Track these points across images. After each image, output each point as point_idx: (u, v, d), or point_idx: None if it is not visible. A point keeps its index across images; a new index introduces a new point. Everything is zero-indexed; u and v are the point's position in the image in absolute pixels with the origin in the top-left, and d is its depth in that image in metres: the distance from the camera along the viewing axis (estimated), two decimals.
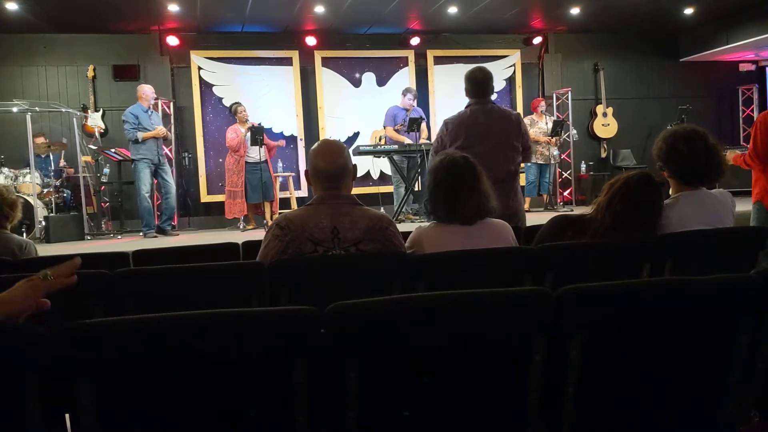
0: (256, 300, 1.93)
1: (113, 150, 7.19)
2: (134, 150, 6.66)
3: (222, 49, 8.30)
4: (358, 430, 1.26)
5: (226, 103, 8.18)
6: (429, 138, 7.83)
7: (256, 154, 7.14)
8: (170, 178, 7.01)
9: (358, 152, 6.80)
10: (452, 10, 7.77)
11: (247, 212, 7.35)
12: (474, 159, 2.30)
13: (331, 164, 2.11)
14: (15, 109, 6.89)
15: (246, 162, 7.21)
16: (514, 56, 9.10)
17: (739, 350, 1.35)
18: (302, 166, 8.46)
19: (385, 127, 7.50)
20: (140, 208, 6.75)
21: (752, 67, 10.08)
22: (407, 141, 7.15)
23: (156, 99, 7.12)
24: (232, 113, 7.40)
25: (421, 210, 6.37)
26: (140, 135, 6.58)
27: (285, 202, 7.80)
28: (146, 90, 6.82)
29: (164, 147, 7.24)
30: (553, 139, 8.04)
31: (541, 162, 8.08)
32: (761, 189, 3.46)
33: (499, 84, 9.04)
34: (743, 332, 1.34)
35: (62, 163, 7.36)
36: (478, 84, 3.43)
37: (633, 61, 9.70)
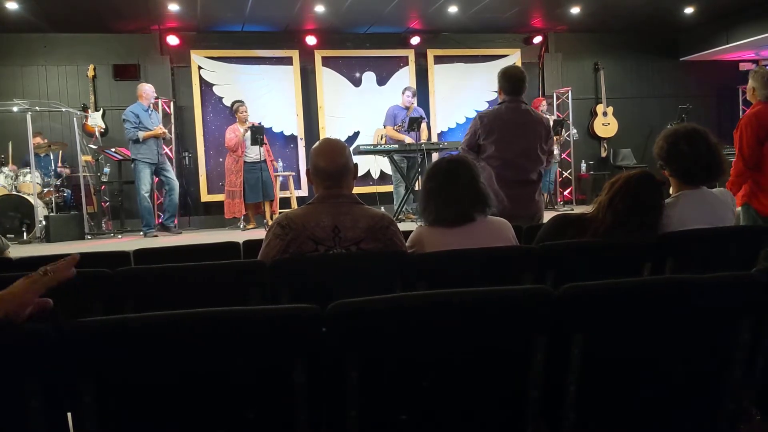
0: (256, 299, 1.93)
1: (113, 149, 7.20)
2: (134, 149, 6.65)
3: (222, 48, 8.30)
4: (358, 430, 1.26)
5: (227, 102, 8.19)
6: (429, 138, 7.85)
7: (255, 153, 7.14)
8: (173, 175, 7.03)
9: (359, 151, 6.80)
10: (452, 9, 7.77)
11: (246, 212, 7.35)
12: (455, 155, 2.32)
13: (331, 163, 2.11)
14: (15, 109, 6.90)
15: (245, 162, 7.21)
16: (514, 56, 9.10)
17: (740, 349, 1.35)
18: (302, 166, 8.46)
19: (385, 127, 7.53)
20: (140, 208, 6.75)
21: (753, 67, 10.05)
22: (407, 140, 7.16)
23: (156, 98, 7.12)
24: (233, 112, 7.41)
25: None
26: (141, 134, 6.59)
27: (285, 202, 7.80)
28: (146, 89, 6.83)
29: (164, 147, 7.24)
30: (555, 139, 8.07)
31: None
32: (748, 191, 3.46)
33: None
34: (744, 331, 1.34)
35: (61, 169, 7.34)
36: (514, 82, 3.44)
37: (633, 61, 9.70)
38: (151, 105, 6.85)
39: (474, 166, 2.29)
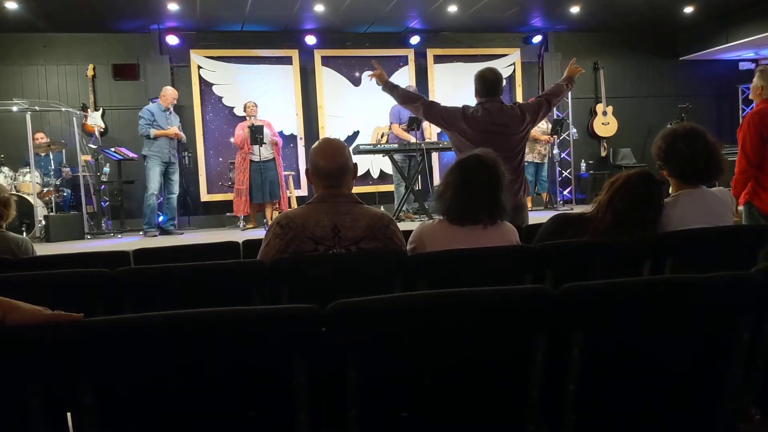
0: (256, 299, 1.93)
1: (113, 149, 7.20)
2: (146, 146, 6.78)
3: (222, 48, 8.29)
4: (358, 430, 1.26)
5: (226, 102, 8.19)
6: (431, 137, 7.86)
7: (258, 152, 7.14)
8: (176, 178, 7.08)
9: (358, 151, 6.80)
10: (452, 8, 7.76)
11: (249, 211, 7.36)
12: (492, 155, 2.27)
13: (331, 163, 2.11)
14: (15, 109, 6.89)
15: (251, 160, 7.21)
16: (514, 55, 9.10)
17: (740, 348, 1.35)
18: (302, 165, 8.46)
19: (391, 125, 7.52)
20: (145, 206, 6.77)
21: (752, 66, 10.06)
22: (413, 139, 7.14)
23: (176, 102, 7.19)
24: (244, 109, 7.46)
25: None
26: (153, 132, 6.71)
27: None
28: (169, 91, 7.02)
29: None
30: (552, 137, 8.11)
31: (537, 161, 8.18)
32: (750, 190, 3.46)
33: None
34: (744, 330, 1.34)
35: (65, 170, 7.33)
36: (489, 83, 3.46)
37: (633, 60, 9.69)
38: (171, 107, 6.96)
39: (501, 174, 2.19)
